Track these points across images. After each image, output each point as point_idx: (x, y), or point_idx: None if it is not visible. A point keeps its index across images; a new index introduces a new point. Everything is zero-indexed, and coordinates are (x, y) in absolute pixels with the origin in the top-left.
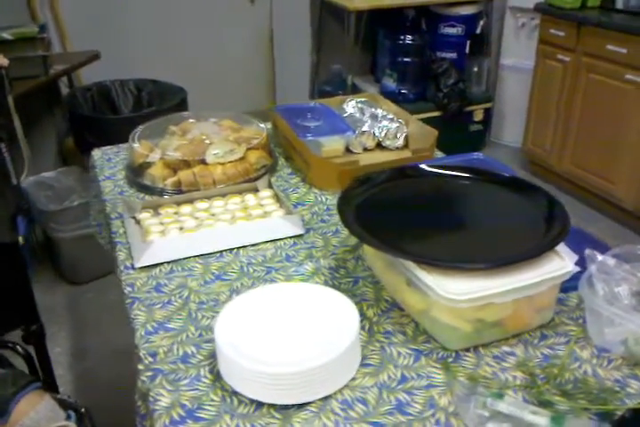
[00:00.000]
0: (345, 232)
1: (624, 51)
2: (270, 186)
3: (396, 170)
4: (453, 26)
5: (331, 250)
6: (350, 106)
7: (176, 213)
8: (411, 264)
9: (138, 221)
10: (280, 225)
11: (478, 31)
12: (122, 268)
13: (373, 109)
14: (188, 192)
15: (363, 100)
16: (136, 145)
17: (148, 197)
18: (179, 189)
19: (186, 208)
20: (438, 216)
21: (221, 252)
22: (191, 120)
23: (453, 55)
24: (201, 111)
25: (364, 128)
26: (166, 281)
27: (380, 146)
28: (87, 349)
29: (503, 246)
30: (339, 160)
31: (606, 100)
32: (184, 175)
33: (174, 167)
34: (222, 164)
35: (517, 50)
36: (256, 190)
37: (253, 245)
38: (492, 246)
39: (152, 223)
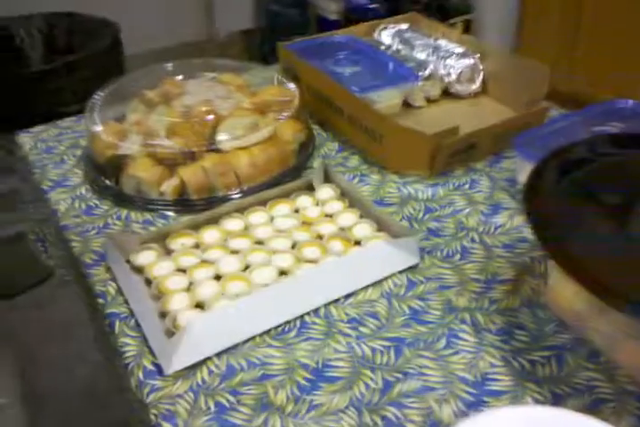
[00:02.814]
0: (479, 250)
1: None
2: (329, 179)
3: (602, 141)
4: None
5: (475, 290)
6: (385, 35)
7: (198, 247)
8: None
9: (138, 269)
10: (387, 255)
11: None
12: (140, 375)
13: (430, 40)
14: (201, 202)
15: (404, 27)
16: (98, 128)
17: (133, 215)
18: (183, 198)
19: (210, 233)
20: None
21: (302, 316)
22: (178, 78)
23: None
24: (183, 61)
25: (428, 70)
26: (230, 397)
27: (444, 93)
28: (44, 392)
29: None
30: (424, 128)
31: None
32: (189, 174)
33: (168, 162)
34: (245, 149)
35: None
36: (308, 188)
37: (348, 295)
38: None
39: (165, 273)
